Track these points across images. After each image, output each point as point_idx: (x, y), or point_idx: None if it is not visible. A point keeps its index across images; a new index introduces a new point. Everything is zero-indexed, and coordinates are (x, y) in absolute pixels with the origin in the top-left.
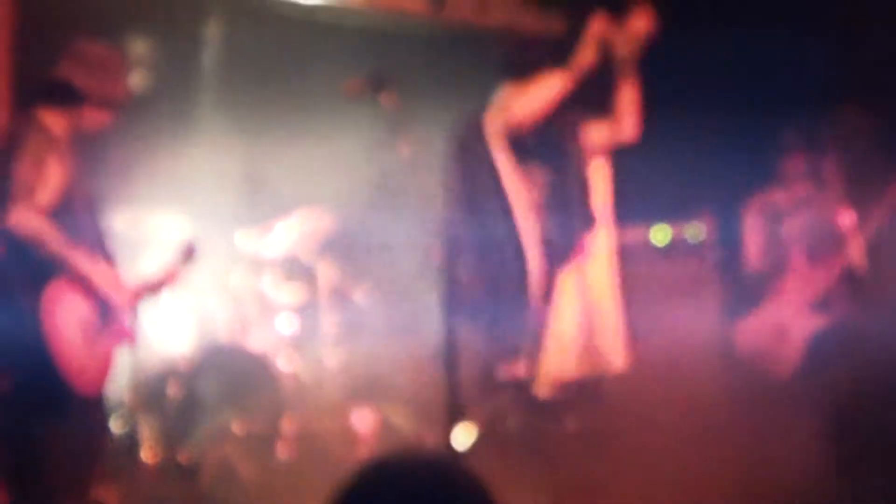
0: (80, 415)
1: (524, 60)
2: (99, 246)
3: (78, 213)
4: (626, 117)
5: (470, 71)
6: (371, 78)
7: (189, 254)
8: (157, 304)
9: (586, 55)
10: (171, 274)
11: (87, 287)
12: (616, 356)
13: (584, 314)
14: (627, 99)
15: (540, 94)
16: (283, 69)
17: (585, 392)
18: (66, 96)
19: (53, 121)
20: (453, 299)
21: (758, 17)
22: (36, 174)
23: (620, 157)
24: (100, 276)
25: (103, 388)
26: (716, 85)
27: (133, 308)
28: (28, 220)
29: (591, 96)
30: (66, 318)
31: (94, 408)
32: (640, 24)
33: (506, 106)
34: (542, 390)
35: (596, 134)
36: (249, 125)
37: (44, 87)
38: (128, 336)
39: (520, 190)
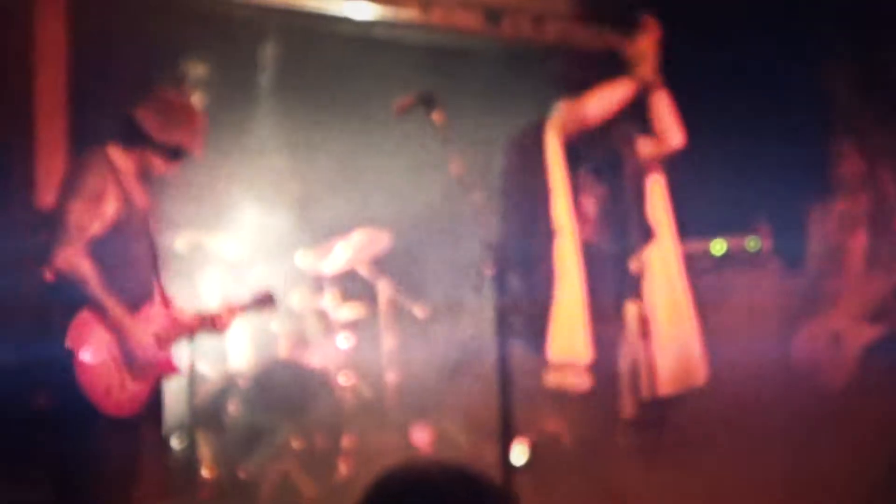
0: (108, 436)
1: (580, 76)
2: (152, 268)
3: (132, 236)
4: (667, 127)
5: (526, 87)
6: (421, 95)
7: (265, 302)
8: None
9: (647, 67)
10: (230, 314)
11: (111, 327)
12: (699, 371)
13: (662, 330)
14: (662, 110)
15: (603, 100)
16: (338, 88)
17: (670, 408)
18: (136, 138)
19: (119, 157)
20: (506, 315)
21: (807, 25)
22: (92, 212)
23: (677, 169)
24: (130, 325)
25: (138, 411)
26: (769, 93)
27: (179, 340)
28: (73, 265)
29: (640, 113)
30: (93, 345)
31: (125, 429)
32: (651, 37)
33: (563, 120)
34: (625, 408)
35: (646, 148)
36: (305, 145)
37: (116, 125)
38: (168, 368)
39: (578, 203)
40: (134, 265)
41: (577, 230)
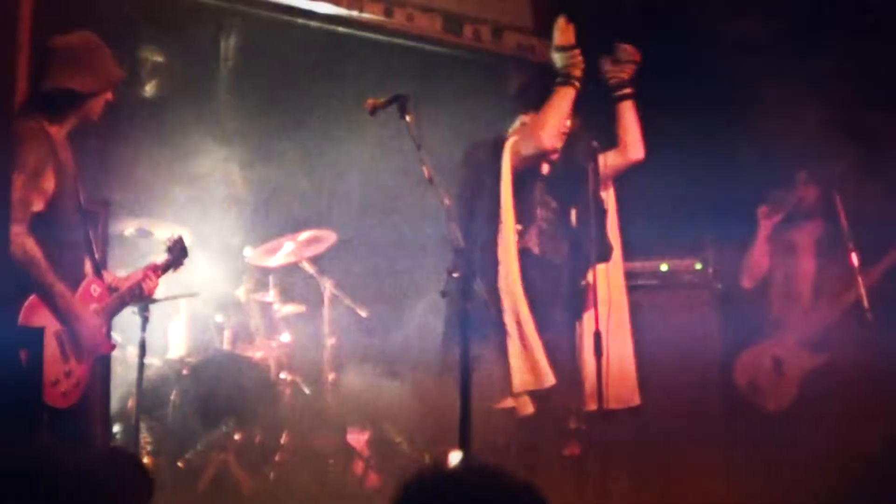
0: (54, 425)
1: (538, 89)
2: (85, 241)
3: (67, 209)
4: (631, 139)
5: (487, 97)
6: (395, 97)
7: (176, 251)
8: (163, 312)
9: (576, 65)
10: (154, 273)
11: (61, 312)
12: (633, 389)
13: (603, 346)
14: (629, 120)
15: (557, 116)
16: (297, 83)
17: (614, 424)
18: (65, 100)
19: (56, 128)
20: (468, 317)
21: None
22: (34, 187)
23: (627, 186)
24: (77, 309)
25: (82, 399)
26: (724, 118)
27: (114, 314)
28: (20, 245)
29: (602, 127)
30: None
31: (69, 418)
32: (627, 53)
33: (525, 139)
34: (572, 421)
35: (608, 160)
36: (262, 139)
37: (41, 98)
38: (106, 346)
39: (534, 218)
40: (70, 240)
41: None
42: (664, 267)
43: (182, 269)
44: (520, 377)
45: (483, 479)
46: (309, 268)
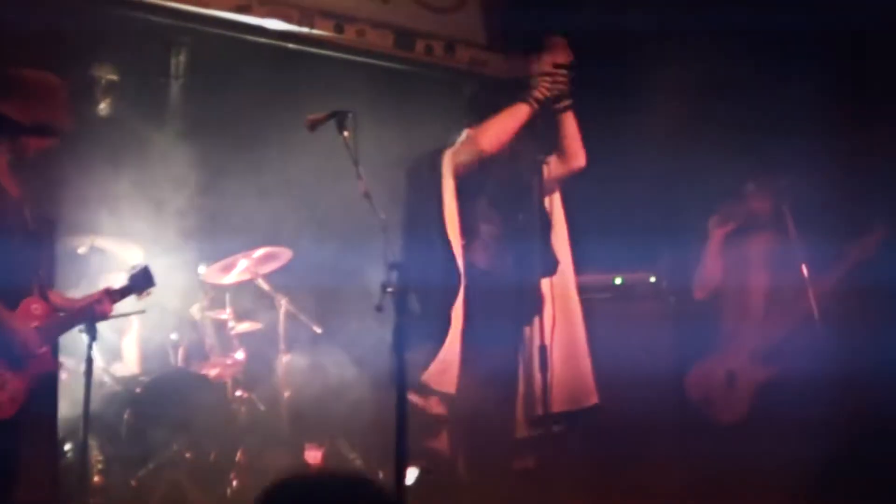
0: None
1: (485, 102)
2: (31, 261)
3: (7, 229)
4: (573, 149)
5: (437, 110)
6: (334, 112)
7: (141, 279)
8: (116, 330)
9: (542, 89)
10: (108, 298)
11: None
12: (590, 389)
13: (557, 354)
14: (570, 132)
15: (499, 128)
16: (249, 99)
17: (563, 428)
18: (2, 127)
19: None
20: (402, 332)
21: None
22: None
23: (579, 199)
24: (9, 322)
25: (20, 413)
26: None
27: (61, 333)
28: None
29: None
30: None
31: (3, 430)
32: (562, 58)
33: (462, 147)
34: (519, 429)
35: (551, 169)
36: (214, 156)
37: None
38: (47, 363)
39: (477, 231)
40: (11, 260)
41: (467, 258)
42: (618, 280)
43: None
44: (431, 371)
45: (344, 484)
46: (264, 285)
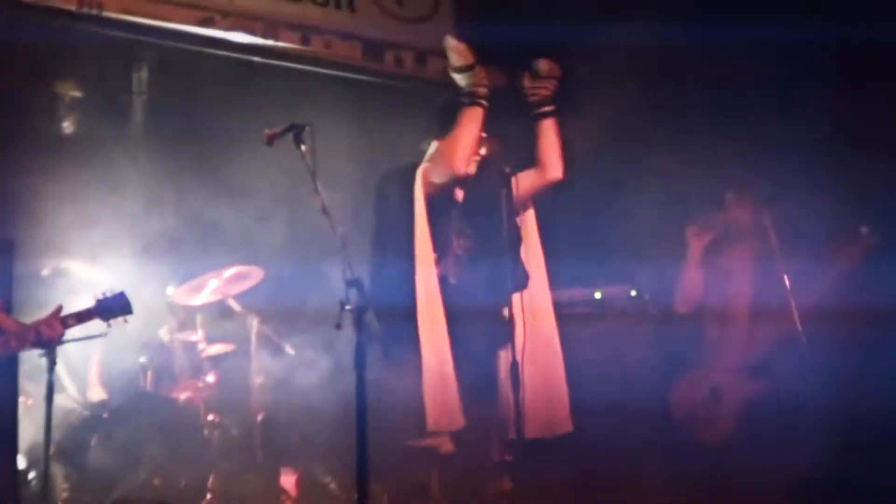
0: None
1: (454, 112)
2: None
3: None
4: (551, 158)
5: (408, 121)
6: (291, 125)
7: (113, 306)
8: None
9: (481, 87)
10: (55, 321)
11: None
12: (564, 417)
13: (530, 373)
14: (550, 139)
15: (466, 138)
16: (215, 115)
17: (540, 453)
18: None
19: None
20: (362, 351)
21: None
22: None
23: (553, 212)
24: None
25: None
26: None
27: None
28: None
29: (516, 147)
30: None
31: None
32: (547, 68)
33: (437, 165)
34: (494, 453)
35: (525, 181)
36: (180, 174)
37: None
38: None
39: (449, 246)
40: None
41: (441, 275)
42: (598, 294)
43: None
44: (435, 417)
45: None
46: (235, 305)
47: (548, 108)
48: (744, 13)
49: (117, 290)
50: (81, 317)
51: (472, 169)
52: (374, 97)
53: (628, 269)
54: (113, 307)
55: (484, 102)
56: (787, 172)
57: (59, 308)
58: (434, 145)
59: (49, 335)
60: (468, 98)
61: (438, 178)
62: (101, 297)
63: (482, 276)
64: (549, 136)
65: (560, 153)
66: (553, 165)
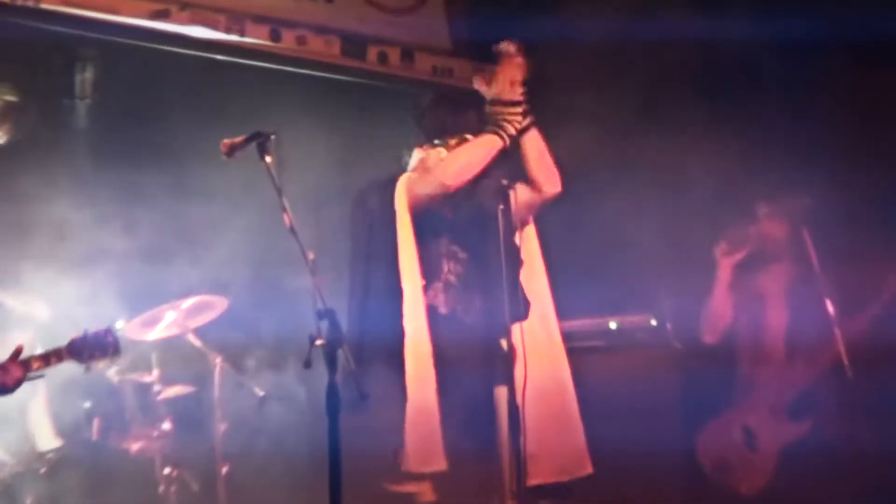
0: None
1: (440, 117)
2: None
3: None
4: (541, 171)
5: (392, 127)
6: (253, 135)
7: (94, 346)
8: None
9: (514, 124)
10: (14, 366)
11: None
12: (581, 458)
13: (536, 414)
14: (535, 151)
15: (470, 158)
16: (170, 121)
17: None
18: None
19: None
20: (335, 394)
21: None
22: None
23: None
24: None
25: None
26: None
27: None
28: None
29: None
30: None
31: None
32: (514, 69)
33: (425, 175)
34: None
35: (524, 195)
36: (131, 189)
37: None
38: None
39: (439, 272)
40: None
41: (429, 303)
42: (613, 324)
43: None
44: (414, 457)
45: None
46: (196, 341)
47: (526, 123)
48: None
49: (105, 327)
50: (49, 359)
51: (462, 183)
52: (353, 100)
53: (647, 295)
54: (94, 346)
55: (506, 139)
56: (829, 182)
57: (19, 350)
58: (417, 154)
59: (4, 381)
60: (494, 126)
61: (425, 189)
62: (81, 334)
63: (477, 306)
64: (533, 148)
65: (552, 165)
66: (547, 179)
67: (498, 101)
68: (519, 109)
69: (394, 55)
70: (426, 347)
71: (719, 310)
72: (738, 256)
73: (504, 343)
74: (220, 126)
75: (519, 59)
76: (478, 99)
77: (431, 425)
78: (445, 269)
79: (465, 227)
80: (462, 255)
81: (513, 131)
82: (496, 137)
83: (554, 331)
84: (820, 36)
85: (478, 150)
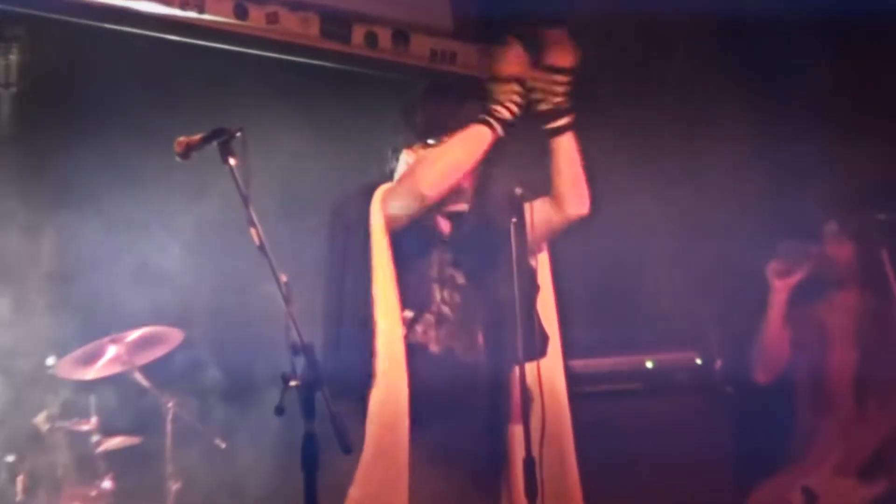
0: None
1: (432, 113)
2: None
3: None
4: (570, 188)
5: (374, 126)
6: (214, 133)
7: None
8: None
9: (508, 106)
10: None
11: None
12: None
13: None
14: (566, 161)
15: (450, 158)
16: (115, 113)
17: None
18: None
19: None
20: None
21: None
22: None
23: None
24: None
25: None
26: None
27: None
28: None
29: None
30: None
31: None
32: (561, 58)
33: (403, 182)
34: None
35: (541, 214)
36: (67, 198)
37: None
38: None
39: (432, 299)
40: None
41: (414, 340)
42: (649, 363)
43: None
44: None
45: None
46: (143, 381)
47: (563, 122)
48: None
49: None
50: None
51: (440, 194)
52: (335, 90)
53: (690, 329)
54: None
55: (497, 127)
56: None
57: None
58: (406, 158)
59: None
60: (485, 114)
61: (399, 202)
62: None
63: (478, 341)
64: (565, 159)
65: (583, 181)
66: (575, 199)
67: (496, 79)
68: (517, 88)
69: (384, 37)
70: (401, 393)
71: (774, 343)
72: (796, 278)
73: (515, 386)
74: (173, 122)
75: (563, 44)
76: (483, 88)
77: (395, 483)
78: (438, 297)
79: (465, 245)
80: (461, 280)
81: (507, 115)
82: (484, 128)
83: (559, 371)
84: None
85: (461, 148)
